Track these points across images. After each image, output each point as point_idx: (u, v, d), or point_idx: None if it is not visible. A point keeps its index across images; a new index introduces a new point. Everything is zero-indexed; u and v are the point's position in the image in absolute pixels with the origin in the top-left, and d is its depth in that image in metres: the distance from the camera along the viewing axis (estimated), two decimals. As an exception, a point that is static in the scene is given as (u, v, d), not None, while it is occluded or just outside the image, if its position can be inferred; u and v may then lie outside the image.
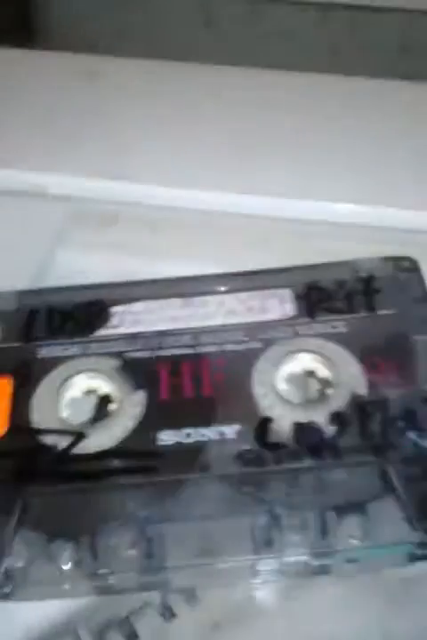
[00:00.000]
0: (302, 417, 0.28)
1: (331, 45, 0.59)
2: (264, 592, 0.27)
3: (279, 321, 0.31)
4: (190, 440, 0.28)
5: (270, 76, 0.45)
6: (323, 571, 0.26)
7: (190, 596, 0.26)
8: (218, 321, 0.31)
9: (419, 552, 0.25)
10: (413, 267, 0.32)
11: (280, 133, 0.41)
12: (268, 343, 0.30)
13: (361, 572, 0.26)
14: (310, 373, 0.30)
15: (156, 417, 0.29)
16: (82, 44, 0.66)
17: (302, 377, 0.30)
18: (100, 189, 0.39)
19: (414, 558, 0.26)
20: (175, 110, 0.43)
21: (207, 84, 0.45)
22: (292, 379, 0.30)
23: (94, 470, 0.27)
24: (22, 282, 0.34)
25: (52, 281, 0.35)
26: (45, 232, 0.37)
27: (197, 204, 0.38)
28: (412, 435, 0.27)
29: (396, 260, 0.33)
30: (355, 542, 0.25)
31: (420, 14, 0.57)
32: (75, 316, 0.32)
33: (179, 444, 0.28)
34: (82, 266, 0.35)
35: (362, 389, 0.29)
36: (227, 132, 0.42)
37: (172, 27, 0.64)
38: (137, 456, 0.28)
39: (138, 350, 0.31)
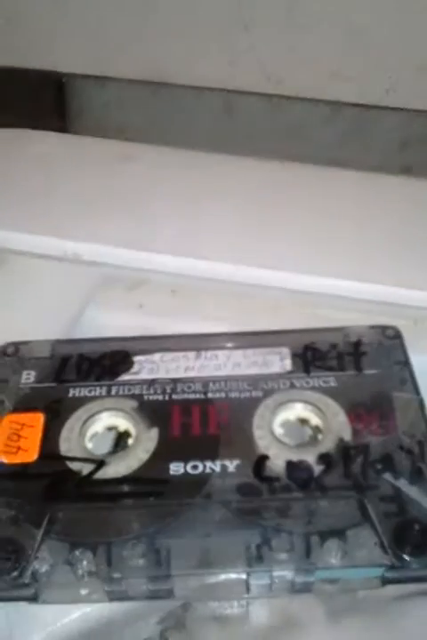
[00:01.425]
0: (295, 456, 0.32)
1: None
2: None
3: (278, 374, 0.36)
4: (196, 471, 0.32)
5: (282, 167, 0.51)
6: (306, 588, 0.30)
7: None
8: (225, 372, 0.36)
9: (390, 575, 0.29)
10: (396, 335, 0.37)
11: (288, 217, 0.46)
12: (267, 393, 0.35)
13: (340, 592, 0.30)
14: (303, 420, 0.34)
15: (167, 451, 0.33)
16: (113, 127, 0.72)
17: (295, 423, 0.34)
18: (128, 257, 0.44)
19: (386, 581, 0.29)
20: (197, 192, 0.48)
21: (227, 170, 0.50)
22: (287, 424, 0.34)
23: (111, 493, 0.32)
24: (56, 335, 0.39)
25: (84, 334, 0.39)
26: (79, 292, 0.42)
27: (214, 273, 0.43)
28: (388, 476, 0.31)
29: (382, 328, 0.37)
30: (334, 562, 0.29)
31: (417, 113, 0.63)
32: (101, 362, 0.37)
33: (186, 473, 0.32)
34: (109, 322, 0.40)
35: (347, 436, 0.33)
36: (242, 213, 0.47)
37: (196, 113, 0.70)
38: (148, 482, 0.32)
39: (154, 394, 0.35)
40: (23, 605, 0.30)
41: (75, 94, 0.75)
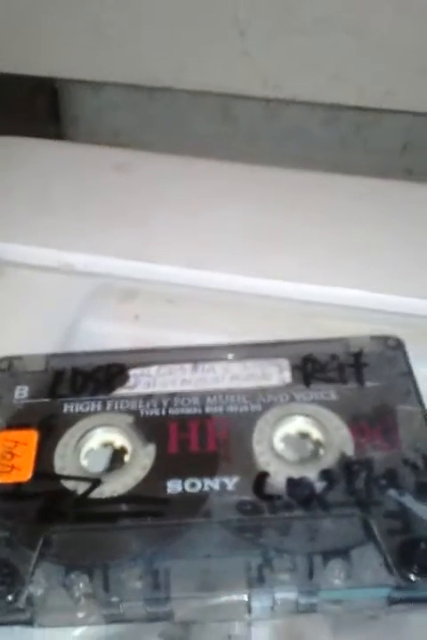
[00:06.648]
0: (296, 473, 0.31)
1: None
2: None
3: (278, 387, 0.35)
4: (195, 489, 0.31)
5: (280, 174, 0.50)
6: (310, 609, 0.29)
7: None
8: (223, 385, 0.35)
9: (397, 595, 0.28)
10: (398, 345, 0.36)
11: (287, 225, 0.45)
12: (267, 406, 0.34)
13: (344, 612, 0.29)
14: (304, 435, 0.33)
15: (164, 468, 0.32)
16: (108, 133, 0.72)
17: (296, 437, 0.33)
18: (124, 267, 0.43)
19: (392, 601, 0.28)
20: (194, 200, 0.47)
21: (224, 178, 0.49)
22: (287, 439, 0.33)
23: (108, 513, 0.31)
24: (51, 347, 0.38)
25: (77, 347, 0.38)
26: (74, 303, 0.41)
27: (211, 283, 0.42)
28: (393, 492, 0.30)
29: (384, 338, 0.36)
30: (338, 583, 0.28)
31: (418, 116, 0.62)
32: (96, 376, 0.36)
33: (184, 492, 0.31)
34: (105, 333, 0.39)
35: (350, 451, 0.32)
36: (240, 221, 0.46)
37: (192, 118, 0.69)
38: (146, 502, 0.31)
39: (150, 408, 0.34)
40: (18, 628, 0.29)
41: (69, 100, 0.74)
